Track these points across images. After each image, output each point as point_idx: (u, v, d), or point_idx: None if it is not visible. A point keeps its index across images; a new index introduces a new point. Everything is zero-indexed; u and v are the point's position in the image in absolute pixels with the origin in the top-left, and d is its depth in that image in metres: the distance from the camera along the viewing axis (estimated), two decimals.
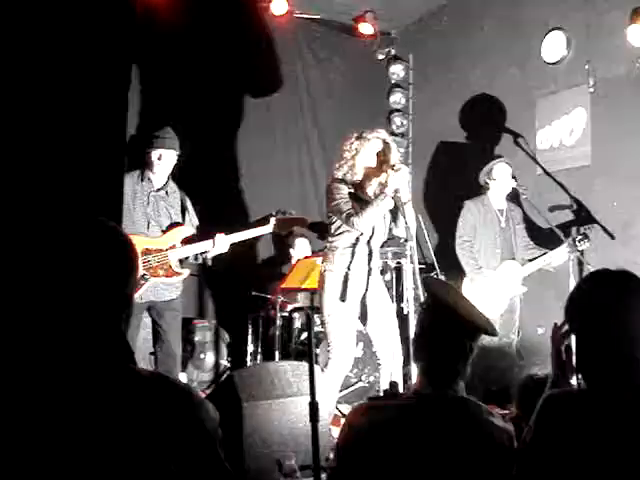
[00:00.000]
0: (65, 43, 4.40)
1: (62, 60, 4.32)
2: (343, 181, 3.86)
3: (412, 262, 3.60)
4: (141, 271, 4.06)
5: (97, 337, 1.50)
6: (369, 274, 3.92)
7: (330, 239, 3.93)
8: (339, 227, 3.88)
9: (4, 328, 3.33)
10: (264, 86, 5.90)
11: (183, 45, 5.32)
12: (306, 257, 5.07)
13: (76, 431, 1.35)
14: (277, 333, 4.96)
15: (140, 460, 1.36)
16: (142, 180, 4.21)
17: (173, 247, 4.15)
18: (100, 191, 4.35)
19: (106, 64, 4.66)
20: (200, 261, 4.24)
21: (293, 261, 5.30)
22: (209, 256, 4.19)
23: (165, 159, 4.19)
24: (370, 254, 3.92)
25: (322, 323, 3.92)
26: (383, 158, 3.87)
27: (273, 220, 4.29)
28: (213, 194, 5.24)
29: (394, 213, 3.93)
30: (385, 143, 3.91)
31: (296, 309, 5.16)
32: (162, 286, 4.14)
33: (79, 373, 1.42)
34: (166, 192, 4.26)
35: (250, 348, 5.17)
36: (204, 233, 4.22)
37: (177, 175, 4.31)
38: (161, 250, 4.12)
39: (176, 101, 5.26)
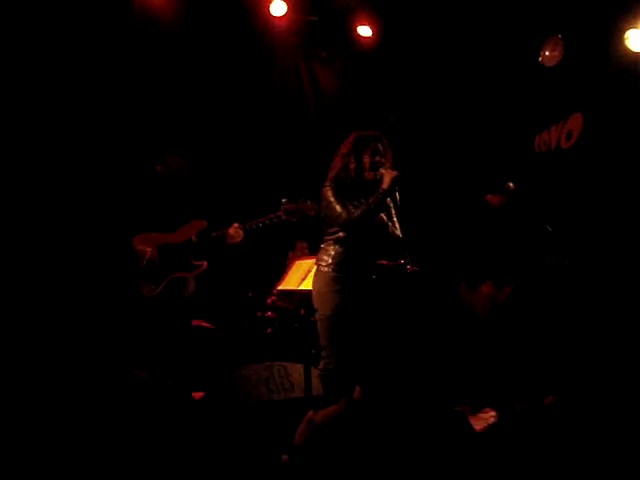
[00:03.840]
0: (65, 42, 4.41)
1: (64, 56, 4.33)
2: (338, 182, 3.88)
3: (408, 263, 3.63)
4: (159, 268, 4.11)
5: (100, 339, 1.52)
6: (363, 275, 3.93)
7: (324, 238, 3.96)
8: (332, 227, 3.90)
9: (8, 329, 3.34)
10: (264, 85, 5.94)
11: (184, 44, 5.37)
12: (303, 258, 5.07)
13: (76, 430, 1.36)
14: (274, 334, 4.97)
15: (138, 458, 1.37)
16: (153, 176, 4.25)
17: (188, 241, 4.18)
18: (111, 191, 4.41)
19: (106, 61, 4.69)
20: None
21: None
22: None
23: (179, 165, 4.27)
24: (365, 255, 3.94)
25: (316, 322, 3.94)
26: (378, 159, 3.89)
27: (283, 207, 4.31)
28: (219, 188, 5.29)
29: (389, 213, 3.96)
30: (383, 145, 3.93)
31: (292, 310, 5.16)
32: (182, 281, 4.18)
33: (82, 375, 1.43)
34: (177, 186, 4.30)
35: (247, 349, 5.17)
36: (217, 223, 4.25)
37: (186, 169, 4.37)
38: (177, 245, 4.15)
39: (179, 99, 5.32)
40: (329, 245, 3.93)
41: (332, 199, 3.84)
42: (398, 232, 3.98)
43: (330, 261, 3.88)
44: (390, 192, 3.77)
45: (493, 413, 2.74)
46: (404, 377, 1.98)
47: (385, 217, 3.94)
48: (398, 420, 1.92)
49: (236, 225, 4.23)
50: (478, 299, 3.31)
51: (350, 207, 3.81)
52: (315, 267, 4.02)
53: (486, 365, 3.76)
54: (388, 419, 1.92)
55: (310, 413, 2.14)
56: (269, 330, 5.07)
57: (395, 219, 3.99)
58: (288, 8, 5.63)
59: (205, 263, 4.25)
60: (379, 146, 3.91)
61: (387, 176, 3.77)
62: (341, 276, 3.86)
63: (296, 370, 3.66)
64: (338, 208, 3.81)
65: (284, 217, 4.27)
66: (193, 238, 4.20)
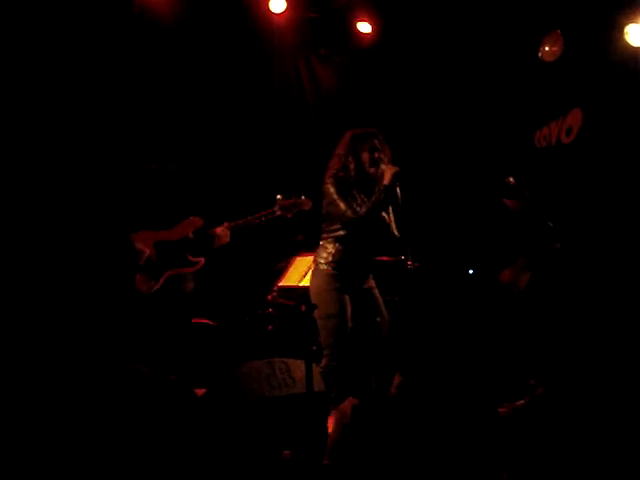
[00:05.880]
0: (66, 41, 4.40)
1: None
2: (338, 179, 3.88)
3: (409, 259, 3.64)
4: (156, 265, 4.11)
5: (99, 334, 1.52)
6: (362, 272, 3.93)
7: (323, 235, 3.95)
8: (332, 224, 3.89)
9: (8, 327, 3.34)
10: (263, 82, 5.94)
11: (182, 41, 5.37)
12: (304, 255, 5.07)
13: (75, 427, 1.36)
14: (275, 331, 4.97)
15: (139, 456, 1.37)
16: (149, 173, 4.25)
17: (185, 238, 4.18)
18: (108, 188, 4.40)
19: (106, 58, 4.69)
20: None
21: None
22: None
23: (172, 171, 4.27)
24: (364, 253, 3.94)
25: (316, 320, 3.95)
26: (377, 155, 3.89)
27: (278, 203, 4.31)
28: (217, 186, 5.29)
29: (388, 210, 3.96)
30: (379, 140, 3.93)
31: (293, 307, 5.15)
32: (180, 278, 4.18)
33: (81, 371, 1.43)
34: (173, 183, 4.29)
35: (248, 346, 5.17)
36: (208, 222, 4.25)
37: (181, 166, 4.36)
38: (173, 242, 4.15)
39: (177, 96, 5.30)
40: (328, 243, 3.93)
41: (336, 196, 3.84)
42: (395, 230, 3.98)
43: (330, 259, 3.88)
44: (392, 188, 3.77)
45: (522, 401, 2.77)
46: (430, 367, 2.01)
47: (386, 216, 3.94)
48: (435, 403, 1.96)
49: (225, 225, 4.23)
50: (501, 287, 3.35)
51: (354, 205, 3.81)
52: (313, 265, 4.02)
53: (504, 353, 3.78)
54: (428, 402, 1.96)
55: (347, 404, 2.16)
56: (270, 327, 5.07)
57: (392, 216, 3.99)
58: (287, 5, 5.62)
59: (202, 260, 4.25)
60: (376, 142, 3.91)
61: (388, 172, 3.78)
62: (340, 274, 3.86)
63: (297, 366, 3.66)
64: (342, 206, 3.80)
65: (279, 213, 4.27)
66: (190, 235, 4.21)
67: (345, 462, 2.00)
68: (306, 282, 4.66)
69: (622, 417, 2.26)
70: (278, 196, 4.35)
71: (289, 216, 4.34)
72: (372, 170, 3.87)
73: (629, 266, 4.60)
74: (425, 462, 1.90)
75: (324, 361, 3.86)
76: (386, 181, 3.76)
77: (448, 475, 1.90)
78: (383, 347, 3.90)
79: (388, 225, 3.95)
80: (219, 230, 4.21)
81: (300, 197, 4.31)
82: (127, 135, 4.98)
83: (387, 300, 4.29)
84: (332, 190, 3.85)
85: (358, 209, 3.78)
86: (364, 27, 6.04)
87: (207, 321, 5.26)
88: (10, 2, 4.53)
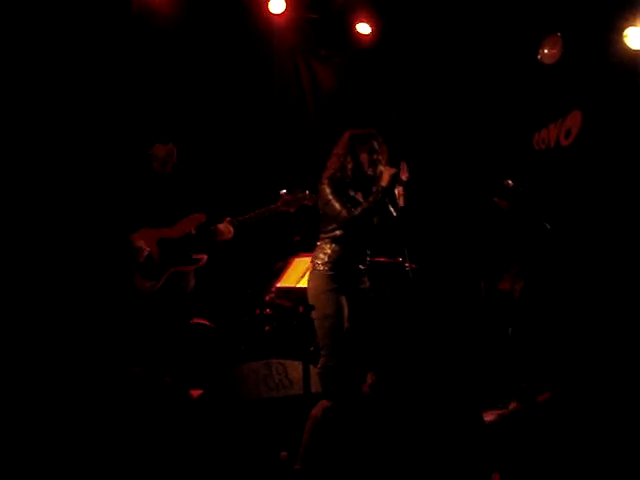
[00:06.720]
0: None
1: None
2: (335, 180, 3.88)
3: (406, 261, 3.63)
4: (159, 263, 4.11)
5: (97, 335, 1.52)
6: (358, 273, 3.93)
7: (321, 236, 3.96)
8: (329, 225, 3.90)
9: (7, 327, 3.33)
10: (263, 83, 5.94)
11: (182, 41, 5.37)
12: (302, 256, 5.07)
13: (74, 427, 1.36)
14: (273, 332, 4.96)
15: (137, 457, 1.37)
16: (149, 171, 4.25)
17: (187, 235, 4.18)
18: (107, 188, 4.41)
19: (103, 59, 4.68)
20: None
21: None
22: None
23: (169, 150, 4.25)
24: (360, 254, 3.94)
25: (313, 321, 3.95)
26: (376, 156, 3.89)
27: (281, 198, 4.32)
28: (219, 183, 5.30)
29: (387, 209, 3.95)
30: (378, 142, 3.93)
31: (291, 308, 5.15)
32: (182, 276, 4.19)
33: (79, 371, 1.43)
34: (174, 180, 4.29)
35: (245, 347, 5.17)
36: (211, 218, 4.26)
37: (183, 163, 4.37)
38: (175, 239, 4.16)
39: (177, 96, 5.32)
40: (325, 244, 3.93)
41: (331, 197, 3.84)
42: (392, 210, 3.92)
43: (327, 260, 3.88)
44: (390, 189, 3.77)
45: (514, 405, 2.77)
46: (412, 368, 2.02)
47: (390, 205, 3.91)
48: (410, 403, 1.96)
49: (227, 220, 4.24)
50: (500, 294, 3.36)
51: (349, 205, 3.82)
52: (311, 266, 4.02)
53: (498, 359, 3.78)
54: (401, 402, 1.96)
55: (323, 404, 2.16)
56: (267, 328, 5.06)
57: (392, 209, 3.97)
58: (287, 6, 5.62)
59: (205, 256, 4.26)
60: (375, 143, 3.91)
61: (386, 174, 3.78)
62: (337, 275, 3.86)
63: (295, 368, 3.66)
64: (338, 206, 3.81)
65: (282, 208, 4.28)
66: (192, 232, 4.21)
67: (317, 466, 1.99)
68: (304, 283, 4.65)
69: (614, 419, 2.26)
70: (282, 191, 4.36)
71: (292, 211, 4.36)
72: (370, 171, 3.88)
73: (627, 269, 4.60)
74: (398, 464, 1.90)
75: (321, 362, 3.86)
76: (384, 182, 3.76)
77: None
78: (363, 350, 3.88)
79: (390, 214, 3.91)
80: (221, 226, 4.23)
81: (304, 192, 4.32)
82: (127, 134, 4.98)
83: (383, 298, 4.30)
84: (328, 190, 3.86)
85: (353, 209, 3.79)
86: (364, 28, 6.04)
87: (205, 321, 5.26)
88: (11, 1, 4.53)
